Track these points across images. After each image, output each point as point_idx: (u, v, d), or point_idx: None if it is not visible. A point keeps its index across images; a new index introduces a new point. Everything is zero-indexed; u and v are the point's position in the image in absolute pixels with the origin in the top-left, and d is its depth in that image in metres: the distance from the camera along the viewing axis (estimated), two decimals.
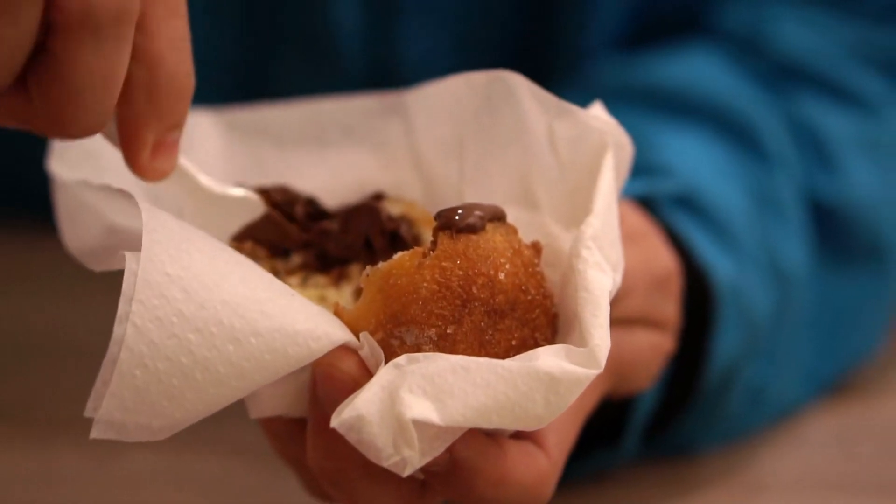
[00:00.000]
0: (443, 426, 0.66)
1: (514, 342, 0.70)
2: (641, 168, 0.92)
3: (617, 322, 0.80)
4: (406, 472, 0.66)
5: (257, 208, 0.77)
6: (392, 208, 0.78)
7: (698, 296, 0.90)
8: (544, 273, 0.72)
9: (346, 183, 0.82)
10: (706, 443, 0.96)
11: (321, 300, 0.75)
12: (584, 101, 0.76)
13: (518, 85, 0.74)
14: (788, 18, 1.07)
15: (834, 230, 1.02)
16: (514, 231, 0.71)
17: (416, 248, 0.70)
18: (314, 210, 0.78)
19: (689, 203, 0.93)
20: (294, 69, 1.16)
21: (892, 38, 1.07)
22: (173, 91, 0.68)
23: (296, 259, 0.77)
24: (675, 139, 0.99)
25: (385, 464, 0.66)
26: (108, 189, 0.71)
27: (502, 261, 0.70)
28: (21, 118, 0.67)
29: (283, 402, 0.71)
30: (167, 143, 0.70)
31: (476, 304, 0.69)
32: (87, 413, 0.66)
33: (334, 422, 0.66)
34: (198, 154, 0.82)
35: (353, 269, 0.77)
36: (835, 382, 1.05)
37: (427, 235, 0.76)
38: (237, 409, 0.70)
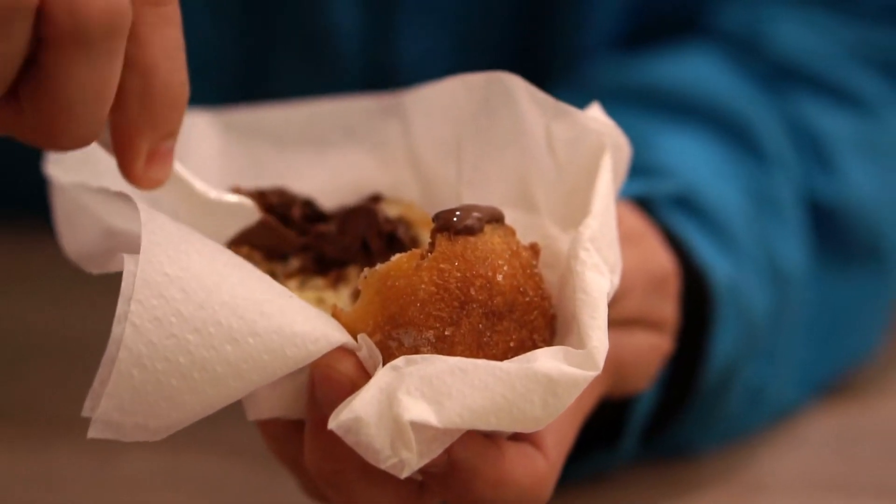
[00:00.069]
0: (441, 428, 0.66)
1: (512, 344, 0.70)
2: (639, 168, 0.92)
3: (615, 323, 0.80)
4: (404, 474, 0.66)
5: (253, 214, 0.77)
6: (389, 210, 0.78)
7: (696, 296, 0.90)
8: (542, 274, 0.72)
9: (343, 184, 0.82)
10: (705, 443, 0.96)
11: (319, 302, 0.75)
12: (582, 102, 0.76)
13: (516, 86, 0.74)
14: (786, 19, 1.07)
15: (832, 231, 1.02)
16: (512, 232, 0.71)
17: (413, 249, 0.70)
18: (311, 212, 0.78)
19: (687, 203, 0.93)
20: (292, 69, 1.16)
21: (891, 39, 1.07)
22: (167, 100, 0.68)
23: (294, 263, 0.77)
24: (672, 140, 0.98)
25: (383, 465, 0.66)
26: (105, 192, 0.71)
27: (500, 262, 0.70)
28: (12, 129, 0.67)
29: (280, 404, 0.71)
30: (161, 151, 0.69)
31: (474, 305, 0.69)
32: (85, 413, 0.66)
33: (332, 423, 0.66)
34: (195, 155, 0.82)
35: (351, 271, 0.77)
36: (833, 383, 1.05)
37: (425, 237, 0.76)
38: (235, 411, 0.70)
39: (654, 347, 0.85)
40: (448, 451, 0.68)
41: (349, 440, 0.66)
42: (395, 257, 0.70)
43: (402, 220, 0.78)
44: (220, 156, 0.83)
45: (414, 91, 0.80)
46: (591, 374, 0.67)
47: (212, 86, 1.15)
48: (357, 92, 0.85)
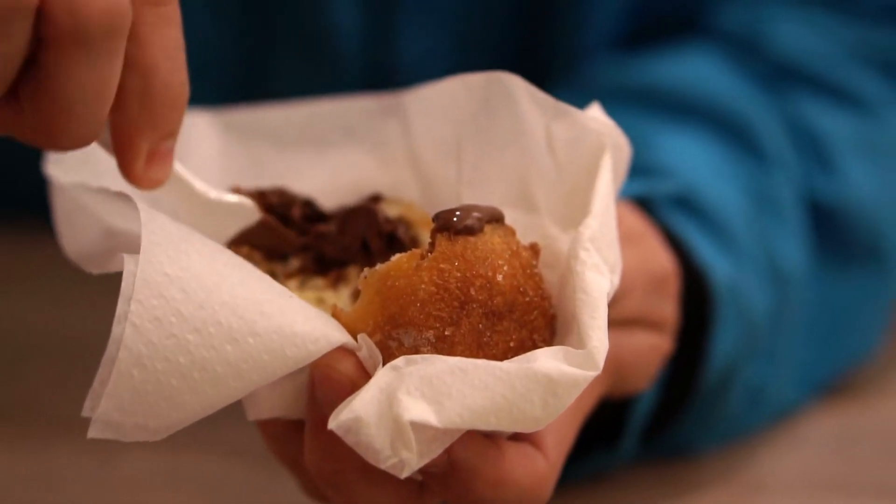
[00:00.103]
0: (441, 428, 0.66)
1: (512, 344, 0.70)
2: (639, 168, 0.92)
3: (615, 323, 0.80)
4: (404, 474, 0.66)
5: (252, 214, 0.77)
6: (389, 210, 0.78)
7: (696, 296, 0.90)
8: (542, 274, 0.72)
9: (343, 184, 0.82)
10: (705, 443, 0.96)
11: (319, 302, 0.75)
12: (582, 102, 0.76)
13: (516, 86, 0.74)
14: (786, 19, 1.07)
15: (832, 231, 1.02)
16: (512, 232, 0.71)
17: (413, 249, 0.70)
18: (311, 212, 0.78)
19: (687, 203, 0.93)
20: (292, 69, 1.16)
21: (891, 39, 1.07)
22: (167, 100, 0.68)
23: (294, 263, 0.77)
24: (672, 140, 0.98)
25: (383, 465, 0.66)
26: (105, 191, 0.71)
27: (500, 262, 0.70)
28: (12, 129, 0.67)
29: (280, 404, 0.71)
30: (161, 151, 0.69)
31: (474, 305, 0.69)
32: (85, 413, 0.66)
33: (332, 423, 0.66)
34: (195, 154, 0.82)
35: (351, 271, 0.77)
36: (833, 383, 1.05)
37: (425, 237, 0.76)
38: (234, 411, 0.70)
39: (654, 347, 0.85)
40: (448, 451, 0.68)
41: (349, 440, 0.66)
42: (395, 257, 0.70)
43: (402, 220, 0.78)
44: (220, 156, 0.83)
45: (414, 91, 0.80)
46: (591, 374, 0.67)
47: (212, 86, 1.15)
48: (357, 92, 0.85)
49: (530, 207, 0.75)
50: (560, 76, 1.15)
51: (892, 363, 1.10)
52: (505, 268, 0.70)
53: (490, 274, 0.69)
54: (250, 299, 0.67)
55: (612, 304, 0.72)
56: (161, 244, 0.66)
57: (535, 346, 0.70)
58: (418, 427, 0.66)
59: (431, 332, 0.68)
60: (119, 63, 0.66)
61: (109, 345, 0.65)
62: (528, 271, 0.71)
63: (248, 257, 0.74)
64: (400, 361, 0.67)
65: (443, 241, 0.69)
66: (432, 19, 1.14)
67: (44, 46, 0.64)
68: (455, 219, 0.70)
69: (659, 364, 0.86)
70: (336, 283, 0.77)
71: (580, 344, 0.68)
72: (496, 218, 0.71)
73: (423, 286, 0.69)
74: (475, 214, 0.70)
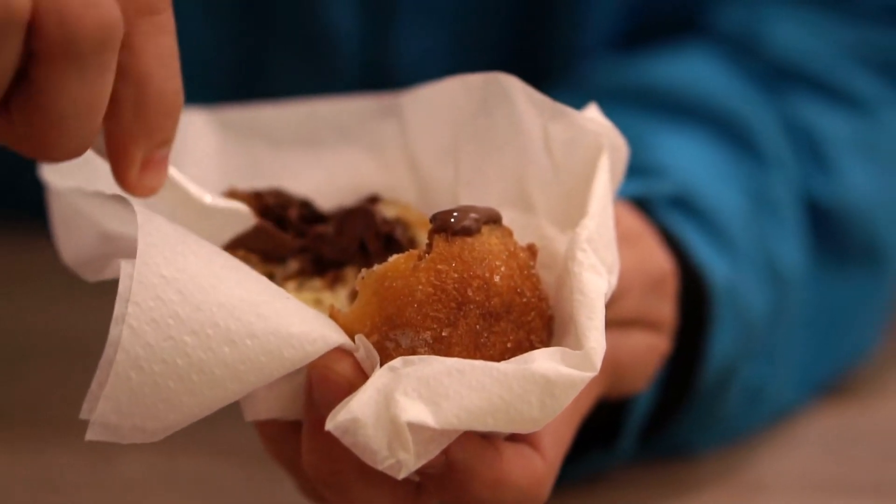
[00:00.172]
0: (438, 429, 0.66)
1: (509, 345, 0.70)
2: (637, 169, 0.92)
3: (612, 323, 0.80)
4: (401, 475, 0.66)
5: (248, 220, 0.77)
6: (387, 211, 0.78)
7: (694, 296, 0.90)
8: (540, 275, 0.72)
9: (341, 184, 0.82)
10: (703, 444, 0.96)
11: (316, 303, 0.75)
12: (580, 102, 0.76)
13: (513, 87, 0.74)
14: (784, 19, 1.07)
15: (830, 231, 1.02)
16: (510, 233, 0.71)
17: (411, 250, 0.70)
18: (308, 213, 0.78)
19: (684, 204, 0.93)
20: (290, 69, 1.16)
21: (889, 39, 1.07)
22: (162, 108, 0.68)
23: (293, 265, 0.77)
24: (670, 140, 0.98)
25: (380, 466, 0.66)
26: (102, 195, 0.71)
27: (497, 263, 0.70)
28: (3, 140, 0.66)
29: (278, 405, 0.71)
30: (156, 159, 0.69)
31: (471, 306, 0.69)
32: (83, 415, 0.66)
33: (329, 424, 0.66)
34: (192, 153, 0.82)
35: (349, 272, 0.77)
36: (831, 383, 1.05)
37: (422, 238, 0.76)
38: (232, 411, 0.70)
39: (651, 348, 0.85)
40: (445, 452, 0.68)
41: (346, 441, 0.66)
42: (393, 258, 0.70)
43: (399, 221, 0.78)
44: (216, 155, 0.83)
45: (411, 92, 0.80)
46: (589, 374, 0.67)
47: (209, 86, 1.15)
48: (355, 92, 0.84)
49: (528, 208, 0.75)
50: (558, 76, 1.15)
51: (890, 363, 1.10)
52: (502, 269, 0.70)
53: (487, 275, 0.69)
54: (247, 301, 0.67)
55: (610, 304, 0.72)
56: (158, 246, 0.66)
57: (532, 347, 0.70)
58: (415, 428, 0.66)
59: (429, 332, 0.68)
60: (111, 76, 0.65)
61: (107, 347, 0.65)
62: (526, 272, 0.71)
63: (245, 259, 0.74)
64: (397, 362, 0.67)
65: (440, 242, 0.69)
66: (430, 19, 1.14)
67: (35, 60, 0.64)
68: (452, 220, 0.70)
69: (657, 364, 0.86)
70: (334, 283, 0.77)
71: (577, 345, 0.68)
72: (493, 219, 0.71)
73: (420, 287, 0.69)
74: (472, 215, 0.70)
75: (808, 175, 1.02)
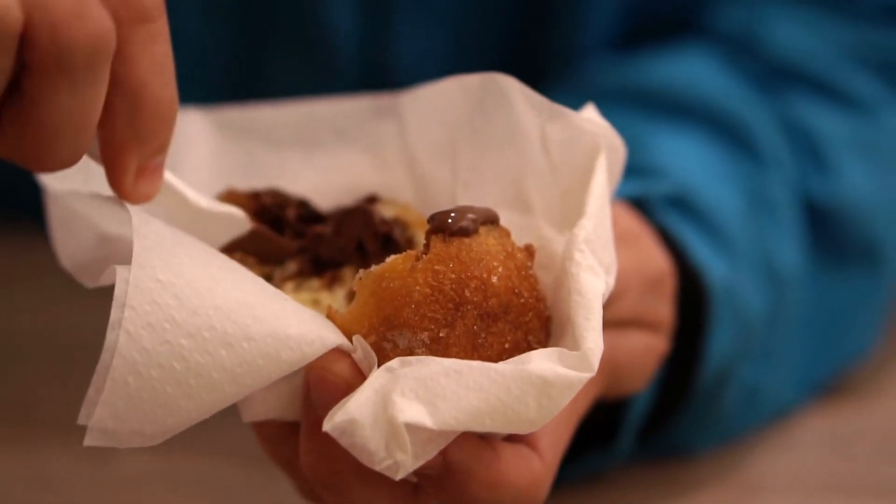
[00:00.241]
0: (435, 430, 0.66)
1: (506, 345, 0.70)
2: (635, 169, 0.92)
3: (610, 324, 0.80)
4: (399, 476, 0.66)
5: (244, 224, 0.76)
6: (385, 211, 0.78)
7: (692, 297, 0.90)
8: (537, 276, 0.72)
9: (338, 184, 0.82)
10: (701, 444, 0.96)
11: (314, 304, 0.75)
12: (578, 102, 0.76)
13: (511, 88, 0.74)
14: (783, 19, 1.07)
15: (828, 231, 1.02)
16: (507, 234, 0.71)
17: (408, 251, 0.70)
18: (306, 212, 0.78)
19: (682, 204, 0.93)
20: (288, 69, 1.15)
21: (887, 40, 1.07)
22: (156, 116, 0.67)
23: (291, 266, 0.77)
24: (668, 140, 0.98)
25: (378, 467, 0.66)
26: (99, 197, 0.71)
27: (495, 264, 0.70)
28: None
29: (275, 406, 0.71)
30: (151, 167, 0.69)
31: (469, 307, 0.69)
32: (81, 421, 0.66)
33: (327, 425, 0.66)
34: (190, 154, 0.82)
35: (346, 272, 0.77)
36: (829, 383, 1.05)
37: (421, 238, 0.76)
38: (230, 412, 0.70)
39: (649, 348, 0.85)
40: (443, 453, 0.68)
41: (344, 442, 0.66)
42: (390, 259, 0.70)
43: (398, 222, 0.78)
44: (214, 155, 0.83)
45: (409, 92, 0.80)
46: (586, 375, 0.67)
47: (207, 86, 1.15)
48: (353, 92, 0.84)
49: (525, 209, 0.75)
50: (557, 76, 1.15)
51: (888, 363, 1.10)
52: (500, 269, 0.70)
53: (485, 275, 0.69)
54: (244, 303, 0.67)
55: (608, 304, 0.72)
56: (154, 250, 0.66)
57: (529, 348, 0.70)
58: (413, 429, 0.66)
59: (426, 333, 0.68)
60: (103, 88, 0.65)
61: (103, 352, 0.65)
62: (523, 273, 0.71)
63: (242, 261, 0.74)
64: (395, 363, 0.67)
65: (438, 243, 0.69)
66: (429, 20, 1.14)
67: (27, 73, 0.63)
68: (450, 220, 0.70)
69: (654, 365, 0.86)
70: (331, 283, 0.77)
71: (575, 345, 0.68)
72: (491, 219, 0.71)
73: (417, 288, 0.68)
74: (470, 216, 0.70)
75: (806, 175, 1.02)
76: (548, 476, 0.73)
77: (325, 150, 0.83)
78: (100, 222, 0.72)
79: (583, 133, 0.74)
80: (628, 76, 1.05)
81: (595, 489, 0.93)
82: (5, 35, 0.62)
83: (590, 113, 0.75)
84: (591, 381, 0.68)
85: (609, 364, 0.81)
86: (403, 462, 0.66)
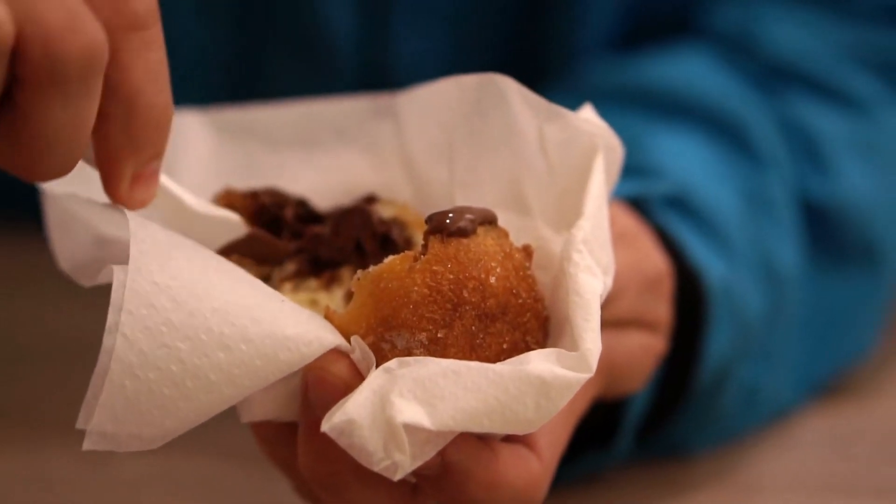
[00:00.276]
0: (434, 430, 0.66)
1: (505, 346, 0.70)
2: (633, 169, 0.92)
3: (609, 324, 0.80)
4: (397, 476, 0.66)
5: (240, 228, 0.76)
6: (384, 211, 0.78)
7: (690, 297, 0.90)
8: (535, 276, 0.72)
9: (336, 184, 0.82)
10: (699, 444, 0.96)
11: (312, 304, 0.75)
12: (575, 103, 0.76)
13: (508, 88, 0.74)
14: (780, 19, 1.07)
15: (826, 231, 1.02)
16: (505, 234, 0.71)
17: (407, 251, 0.70)
18: (305, 212, 0.78)
19: (680, 204, 0.93)
20: (286, 69, 1.15)
21: (885, 39, 1.07)
22: (151, 123, 0.67)
23: (289, 267, 0.77)
24: (666, 140, 0.98)
25: (376, 468, 0.66)
26: (96, 200, 0.71)
27: (493, 264, 0.70)
28: None
29: (273, 406, 0.71)
30: (146, 173, 0.68)
31: (467, 307, 0.69)
32: (79, 425, 0.66)
33: (325, 426, 0.66)
34: (188, 155, 0.82)
35: (345, 272, 0.77)
36: (828, 383, 1.05)
37: (419, 238, 0.76)
38: (228, 412, 0.70)
39: (647, 348, 0.85)
40: (441, 454, 0.68)
41: (342, 442, 0.66)
42: (388, 259, 0.70)
43: (396, 222, 0.78)
44: (212, 156, 0.83)
45: (407, 92, 0.80)
46: (584, 376, 0.67)
47: (205, 87, 1.15)
48: (352, 93, 0.84)
49: (523, 209, 0.75)
50: (556, 77, 1.15)
51: (887, 363, 1.10)
52: (498, 270, 0.70)
53: (483, 276, 0.69)
54: (241, 305, 0.67)
55: (606, 305, 0.72)
56: (150, 252, 0.66)
57: (528, 348, 0.70)
58: (411, 429, 0.66)
59: (424, 334, 0.68)
60: (96, 100, 0.65)
61: (101, 355, 0.65)
62: (521, 273, 0.71)
63: (239, 263, 0.74)
64: (393, 363, 0.67)
65: (436, 244, 0.69)
66: (427, 20, 1.14)
67: (19, 86, 0.63)
68: (448, 221, 0.70)
69: (653, 365, 0.86)
70: (329, 284, 0.77)
71: (573, 346, 0.68)
72: (489, 220, 0.71)
73: (415, 288, 0.68)
74: (468, 216, 0.70)
75: (804, 175, 1.02)
76: (546, 476, 0.73)
77: (324, 150, 0.83)
78: (97, 224, 0.72)
79: (580, 133, 0.74)
80: (626, 76, 1.05)
81: (593, 489, 0.93)
82: None
83: (587, 113, 0.75)
84: (590, 381, 0.68)
85: (607, 364, 0.81)
86: (401, 462, 0.66)
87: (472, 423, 0.66)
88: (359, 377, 0.69)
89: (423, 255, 0.69)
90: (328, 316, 0.70)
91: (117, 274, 0.65)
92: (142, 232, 0.66)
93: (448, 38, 1.15)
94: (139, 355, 0.65)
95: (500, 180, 0.76)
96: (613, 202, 0.87)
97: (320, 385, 0.69)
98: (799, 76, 1.05)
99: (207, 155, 0.83)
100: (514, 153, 0.75)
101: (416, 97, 0.79)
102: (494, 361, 0.68)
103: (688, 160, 0.97)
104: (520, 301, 0.70)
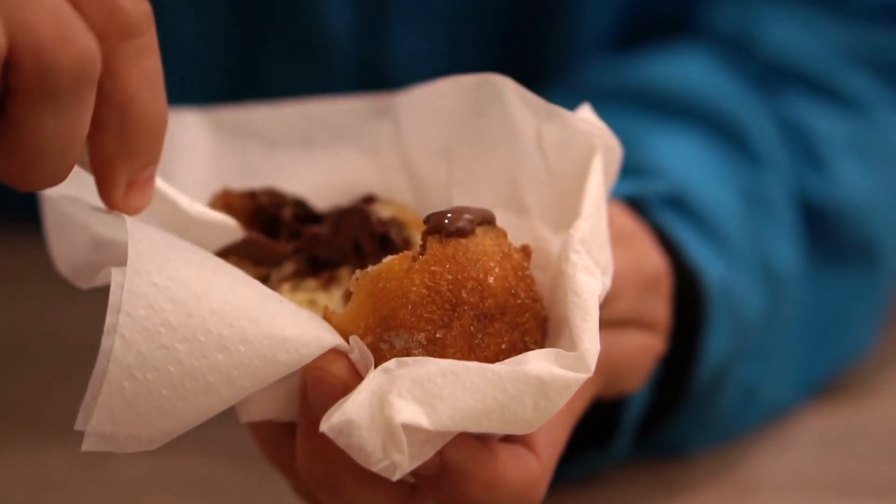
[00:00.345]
0: (432, 430, 0.66)
1: (503, 346, 0.70)
2: (631, 169, 0.92)
3: (607, 323, 0.80)
4: (396, 477, 0.66)
5: (237, 232, 0.76)
6: (383, 211, 0.78)
7: (689, 296, 0.90)
8: (534, 276, 0.72)
9: (335, 185, 0.82)
10: (697, 444, 0.96)
11: (310, 304, 0.75)
12: (574, 103, 0.76)
13: (506, 88, 0.74)
14: (779, 19, 1.07)
15: (825, 231, 1.02)
16: (504, 234, 0.71)
17: (405, 251, 0.70)
18: (303, 212, 0.78)
19: (679, 204, 0.93)
20: (285, 69, 1.15)
21: (883, 39, 1.07)
22: (145, 131, 0.67)
23: (287, 267, 0.77)
24: (665, 140, 0.98)
25: (375, 468, 0.66)
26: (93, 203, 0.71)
27: (492, 264, 0.70)
28: None
29: (272, 407, 0.71)
30: (141, 180, 0.68)
31: (465, 307, 0.69)
32: (78, 426, 0.66)
33: (324, 426, 0.66)
34: (186, 155, 0.81)
35: (343, 272, 0.77)
36: (826, 383, 1.05)
37: (418, 239, 0.76)
38: (227, 413, 0.70)
39: (646, 348, 0.85)
40: (440, 454, 0.68)
41: (341, 443, 0.66)
42: (387, 259, 0.70)
43: (395, 222, 0.78)
44: (211, 156, 0.83)
45: (405, 92, 0.80)
46: (583, 376, 0.67)
47: (203, 87, 1.15)
48: (350, 93, 0.84)
49: (521, 209, 0.75)
50: (554, 77, 1.15)
51: (886, 363, 1.10)
52: (496, 270, 0.70)
53: (481, 276, 0.69)
54: (240, 306, 0.67)
55: (604, 305, 0.72)
56: (148, 254, 0.66)
57: (526, 349, 0.70)
58: (410, 429, 0.66)
59: (423, 334, 0.68)
60: (89, 110, 0.65)
61: (99, 357, 0.65)
62: (520, 273, 0.71)
63: (237, 265, 0.74)
64: (391, 364, 0.67)
65: (434, 244, 0.69)
66: (425, 20, 1.14)
67: (11, 97, 0.63)
68: (446, 221, 0.70)
69: (651, 364, 0.86)
70: (328, 284, 0.77)
71: (572, 346, 0.68)
72: (487, 220, 0.71)
73: (414, 288, 0.68)
74: (466, 216, 0.70)
75: (802, 174, 1.02)
76: (545, 476, 0.73)
77: (323, 150, 0.83)
78: (94, 226, 0.72)
79: (579, 133, 0.74)
80: (625, 76, 1.05)
81: (592, 489, 0.93)
82: None
83: (586, 113, 0.75)
84: (588, 381, 0.68)
85: (606, 364, 0.81)
86: (400, 463, 0.66)
87: (470, 424, 0.66)
88: (357, 377, 0.69)
89: (422, 255, 0.69)
90: (327, 316, 0.70)
91: (115, 276, 0.65)
92: (139, 234, 0.66)
93: (446, 38, 1.15)
94: (137, 356, 0.65)
95: (498, 180, 0.76)
96: (612, 202, 0.87)
97: (319, 385, 0.69)
98: (798, 76, 1.05)
99: (206, 154, 0.83)
100: (513, 153, 0.75)
101: (415, 97, 0.79)
102: (493, 361, 0.68)
103: (686, 160, 0.97)
104: (518, 301, 0.70)
